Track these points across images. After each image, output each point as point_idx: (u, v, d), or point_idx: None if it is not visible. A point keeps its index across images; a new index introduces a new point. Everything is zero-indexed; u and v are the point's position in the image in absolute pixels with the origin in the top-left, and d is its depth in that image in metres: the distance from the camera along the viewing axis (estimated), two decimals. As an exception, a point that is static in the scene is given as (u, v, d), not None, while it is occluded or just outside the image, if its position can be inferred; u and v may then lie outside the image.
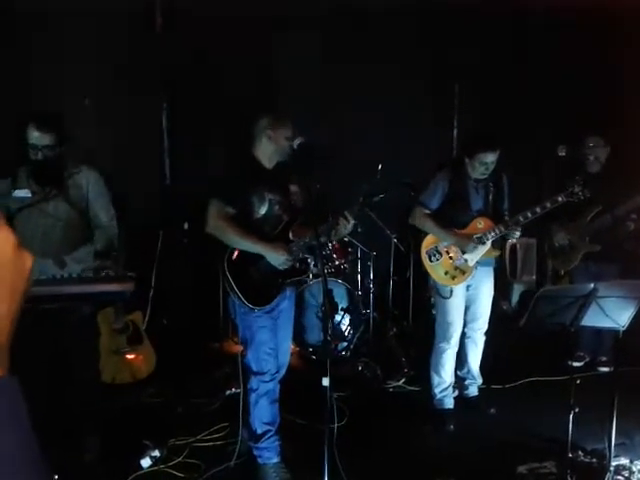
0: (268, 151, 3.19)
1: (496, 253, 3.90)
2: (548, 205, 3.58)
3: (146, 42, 5.17)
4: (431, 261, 3.85)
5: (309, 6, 5.24)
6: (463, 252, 3.78)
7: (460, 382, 4.13)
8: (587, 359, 4.80)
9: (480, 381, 4.14)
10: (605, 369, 4.64)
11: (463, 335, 3.97)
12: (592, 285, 2.80)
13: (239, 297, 3.08)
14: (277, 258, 3.09)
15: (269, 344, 3.17)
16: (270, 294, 3.17)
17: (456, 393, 4.09)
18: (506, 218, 3.76)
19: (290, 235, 3.19)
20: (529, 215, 3.62)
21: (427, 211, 3.83)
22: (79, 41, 4.77)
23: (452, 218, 3.81)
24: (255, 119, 3.23)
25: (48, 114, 3.16)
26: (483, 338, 4.02)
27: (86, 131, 4.49)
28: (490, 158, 3.64)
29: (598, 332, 4.52)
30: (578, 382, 2.98)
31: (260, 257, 3.10)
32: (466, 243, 3.74)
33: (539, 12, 5.62)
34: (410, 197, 4.62)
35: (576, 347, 4.64)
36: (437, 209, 3.84)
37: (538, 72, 5.79)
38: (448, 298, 3.82)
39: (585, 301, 2.79)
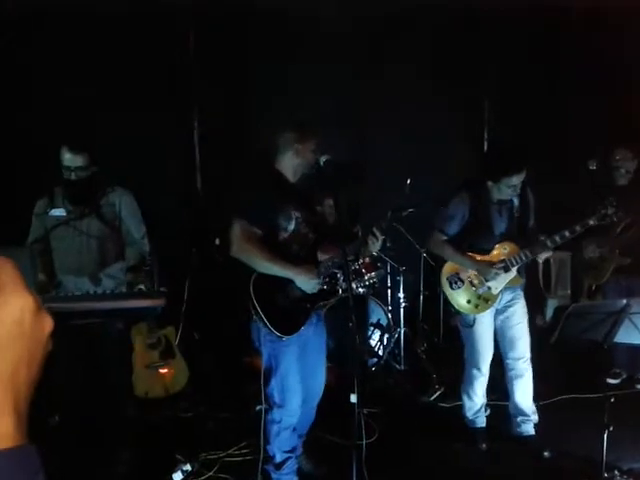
0: (293, 165, 3.06)
1: (522, 281, 3.71)
2: (578, 228, 3.40)
3: (178, 58, 5.29)
4: (452, 288, 3.65)
5: (333, 21, 5.28)
6: (486, 280, 3.59)
7: (511, 419, 3.82)
8: (624, 376, 4.69)
9: (536, 418, 3.80)
10: (643, 386, 4.53)
11: (506, 368, 3.75)
12: (624, 301, 2.75)
13: (265, 324, 2.92)
14: (307, 283, 2.95)
15: (295, 376, 3.03)
16: (298, 321, 3.00)
17: (488, 412, 3.97)
18: (542, 238, 3.50)
19: (318, 254, 3.08)
20: (557, 239, 3.44)
21: (445, 237, 3.63)
22: (111, 57, 4.90)
23: (474, 244, 3.62)
24: (279, 132, 3.11)
25: (81, 135, 3.26)
26: (529, 368, 3.73)
27: (119, 148, 4.60)
28: (517, 180, 3.43)
29: (635, 348, 4.41)
30: (612, 400, 2.91)
31: (287, 281, 2.96)
32: (488, 270, 3.55)
33: (569, 24, 5.57)
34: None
35: (612, 364, 4.54)
36: (457, 234, 3.64)
37: (569, 84, 5.73)
38: (471, 326, 3.64)
39: (618, 317, 2.74)
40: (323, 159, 2.94)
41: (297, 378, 3.05)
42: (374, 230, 2.94)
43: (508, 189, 3.46)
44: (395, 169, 5.13)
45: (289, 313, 2.99)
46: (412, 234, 5.08)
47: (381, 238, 2.96)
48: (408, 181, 4.84)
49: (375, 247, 3.01)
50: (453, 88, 5.75)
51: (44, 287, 3.16)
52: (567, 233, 3.42)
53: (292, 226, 3.02)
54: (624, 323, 2.76)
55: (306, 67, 5.32)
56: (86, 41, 4.81)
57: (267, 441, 3.11)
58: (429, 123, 5.55)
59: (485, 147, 6.23)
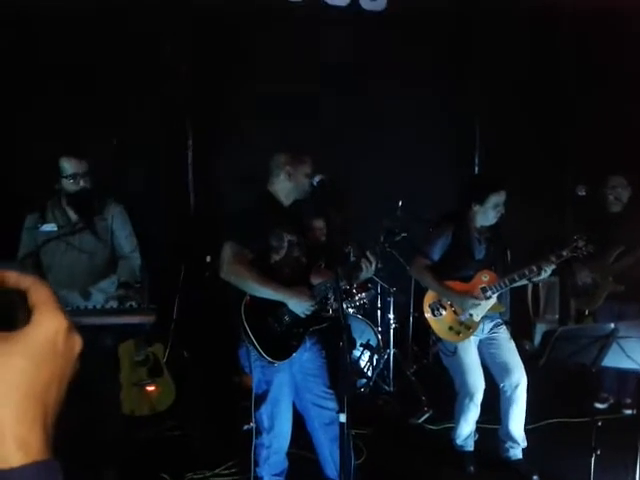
0: (286, 188, 3.04)
1: (501, 308, 3.75)
2: (553, 259, 3.49)
3: (171, 79, 5.33)
4: (434, 315, 3.67)
5: (324, 41, 5.34)
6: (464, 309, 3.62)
7: (500, 443, 3.81)
8: (611, 400, 4.70)
9: (524, 444, 3.77)
10: (630, 411, 4.53)
11: (501, 395, 3.72)
12: (612, 325, 2.76)
13: (257, 349, 2.85)
14: (300, 305, 2.89)
15: (286, 402, 2.97)
16: (290, 345, 2.94)
17: (477, 436, 3.93)
18: (532, 266, 3.54)
19: (311, 278, 3.02)
20: (534, 269, 3.50)
21: (428, 262, 3.66)
22: (105, 78, 4.92)
23: (455, 272, 3.66)
24: (272, 154, 3.09)
25: (75, 145, 3.27)
26: (524, 395, 3.69)
27: (111, 165, 4.60)
28: (501, 199, 3.56)
29: (623, 373, 4.42)
30: (599, 424, 2.91)
31: (280, 304, 2.90)
32: (462, 303, 3.58)
33: (561, 52, 5.68)
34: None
35: (600, 388, 4.55)
36: (439, 261, 3.68)
37: (561, 110, 5.82)
38: (453, 354, 3.64)
39: (606, 341, 2.75)
40: (317, 179, 2.95)
41: (288, 404, 2.98)
42: (368, 255, 2.91)
43: (493, 211, 3.59)
44: (387, 190, 5.15)
45: (281, 338, 2.92)
46: (403, 255, 5.09)
47: (375, 263, 2.93)
48: (399, 202, 4.87)
49: (369, 272, 2.97)
50: (445, 109, 5.83)
51: None
52: (544, 263, 3.51)
53: (284, 249, 2.98)
54: (612, 347, 2.77)
55: (297, 86, 5.37)
56: (78, 53, 4.83)
57: (256, 464, 3.03)
58: (421, 145, 5.61)
59: (476, 170, 6.29)
